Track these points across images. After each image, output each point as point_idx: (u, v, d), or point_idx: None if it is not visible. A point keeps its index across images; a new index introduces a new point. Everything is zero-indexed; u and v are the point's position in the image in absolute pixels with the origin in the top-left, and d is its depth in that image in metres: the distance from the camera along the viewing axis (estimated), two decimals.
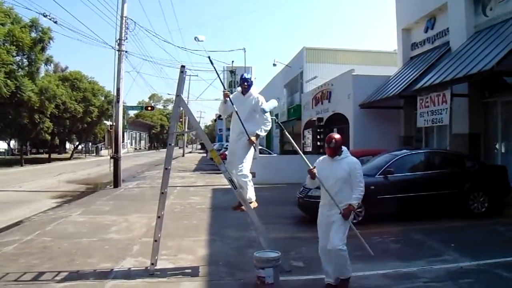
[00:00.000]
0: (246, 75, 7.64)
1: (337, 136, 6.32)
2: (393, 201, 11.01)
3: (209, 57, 7.80)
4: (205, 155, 54.86)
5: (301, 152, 7.14)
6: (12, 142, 55.73)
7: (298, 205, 11.97)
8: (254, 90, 7.48)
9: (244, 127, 7.18)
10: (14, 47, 30.34)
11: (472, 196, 11.70)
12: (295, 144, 7.69)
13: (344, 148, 6.38)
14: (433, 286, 6.44)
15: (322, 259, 6.37)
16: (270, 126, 7.46)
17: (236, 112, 7.42)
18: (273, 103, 7.51)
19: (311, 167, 6.45)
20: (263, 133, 7.35)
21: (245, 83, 7.43)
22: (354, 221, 10.65)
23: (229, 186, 7.27)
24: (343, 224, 6.15)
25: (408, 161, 12.36)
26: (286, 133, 8.34)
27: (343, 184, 6.19)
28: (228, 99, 7.38)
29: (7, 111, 32.17)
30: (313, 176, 6.39)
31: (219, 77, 8.79)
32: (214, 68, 7.80)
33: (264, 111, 7.37)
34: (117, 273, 7.29)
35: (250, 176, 7.45)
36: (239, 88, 7.55)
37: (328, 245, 6.14)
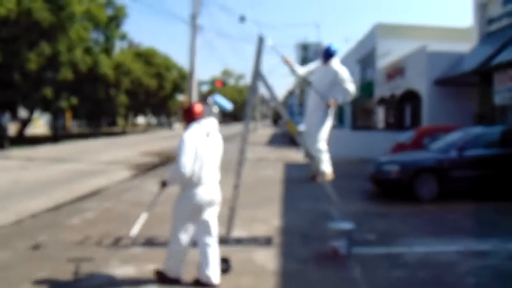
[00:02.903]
0: (328, 46, 7.51)
1: (196, 107, 5.55)
2: (467, 179, 10.76)
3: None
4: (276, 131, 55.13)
5: None
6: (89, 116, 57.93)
7: (371, 179, 11.96)
8: (336, 62, 7.45)
9: (319, 94, 7.22)
10: (91, 24, 31.46)
11: None
12: None
13: (200, 121, 5.51)
14: (506, 265, 6.33)
15: None
16: (351, 98, 7.45)
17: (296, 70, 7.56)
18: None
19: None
20: (340, 101, 7.36)
21: (327, 55, 7.41)
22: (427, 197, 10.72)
23: (302, 160, 7.38)
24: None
25: (483, 139, 11.97)
26: None
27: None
28: (291, 63, 7.47)
29: (84, 86, 33.46)
30: None
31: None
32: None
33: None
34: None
35: (325, 148, 7.51)
36: (322, 60, 7.52)
37: None
